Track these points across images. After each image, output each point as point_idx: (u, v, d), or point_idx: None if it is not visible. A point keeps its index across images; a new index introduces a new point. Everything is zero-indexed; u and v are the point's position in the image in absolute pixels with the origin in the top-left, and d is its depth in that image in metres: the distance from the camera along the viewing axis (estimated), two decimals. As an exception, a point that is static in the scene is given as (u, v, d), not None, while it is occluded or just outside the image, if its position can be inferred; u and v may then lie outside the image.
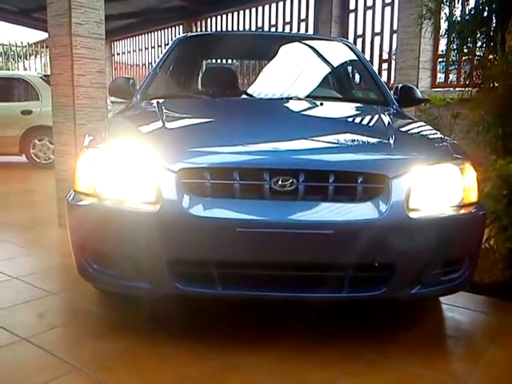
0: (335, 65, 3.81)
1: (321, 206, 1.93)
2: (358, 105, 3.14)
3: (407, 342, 2.19)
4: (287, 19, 9.50)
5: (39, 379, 1.82)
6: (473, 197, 2.14)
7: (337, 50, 3.81)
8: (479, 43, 3.59)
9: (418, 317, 2.52)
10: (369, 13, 8.06)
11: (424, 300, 2.58)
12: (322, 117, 2.82)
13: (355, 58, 3.65)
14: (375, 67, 7.42)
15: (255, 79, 4.54)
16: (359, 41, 8.22)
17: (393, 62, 7.42)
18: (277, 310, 2.42)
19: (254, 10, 10.11)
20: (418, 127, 2.69)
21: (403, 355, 2.07)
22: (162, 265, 1.95)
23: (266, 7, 9.84)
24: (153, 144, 2.11)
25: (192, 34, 5.43)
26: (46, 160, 8.25)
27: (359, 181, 1.96)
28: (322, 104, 2.85)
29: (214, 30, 11.03)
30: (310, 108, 2.88)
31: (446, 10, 4.05)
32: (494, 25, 3.43)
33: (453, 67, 6.13)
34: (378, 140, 2.30)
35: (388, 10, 7.74)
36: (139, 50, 13.42)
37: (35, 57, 15.30)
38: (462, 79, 5.89)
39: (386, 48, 7.88)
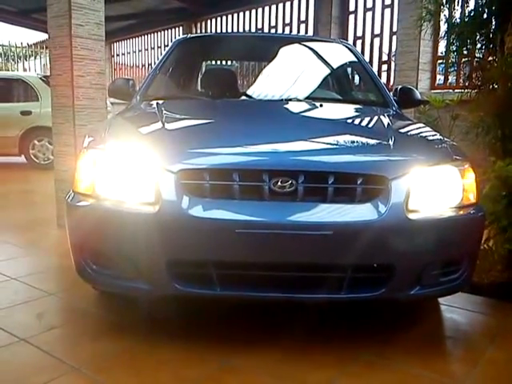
0: (335, 66, 3.81)
1: (320, 207, 1.93)
2: (358, 106, 3.14)
3: (406, 343, 2.19)
4: (287, 21, 9.52)
5: (37, 380, 1.82)
6: (472, 198, 2.14)
7: (336, 51, 3.81)
8: (479, 45, 3.60)
9: (417, 318, 2.52)
10: (368, 14, 8.08)
11: (423, 301, 2.58)
12: (322, 118, 2.82)
13: (355, 59, 3.65)
14: (375, 69, 7.43)
15: (255, 80, 4.55)
16: (359, 42, 8.24)
17: (392, 64, 7.43)
18: (275, 311, 2.42)
19: (253, 11, 10.13)
20: (417, 129, 2.69)
21: (402, 356, 2.07)
22: (160, 265, 1.95)
23: (266, 9, 9.86)
24: (152, 145, 2.11)
25: (192, 35, 5.44)
26: (46, 161, 8.25)
27: (358, 182, 1.96)
28: (321, 105, 2.85)
29: (213, 31, 11.05)
30: (309, 109, 2.88)
31: (446, 12, 4.05)
32: (493, 27, 3.44)
33: (452, 69, 6.14)
34: (377, 141, 2.30)
35: (388, 11, 7.75)
36: (139, 51, 13.44)
37: (35, 58, 15.30)
38: (461, 81, 5.91)
39: (385, 49, 7.90)
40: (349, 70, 4.15)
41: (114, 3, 9.32)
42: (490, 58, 3.47)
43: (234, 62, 8.36)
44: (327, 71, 3.75)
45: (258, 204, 1.93)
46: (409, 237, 1.97)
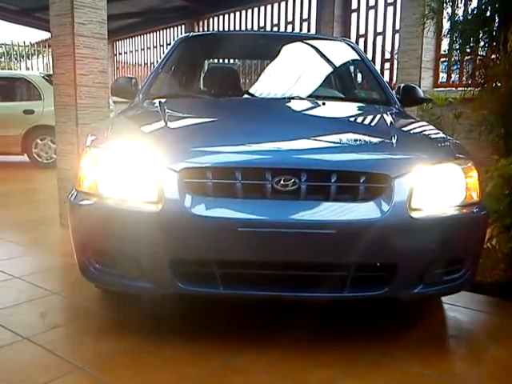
0: (337, 64, 3.81)
1: (323, 206, 1.93)
2: (361, 104, 3.13)
3: (409, 342, 2.19)
4: (289, 19, 9.51)
5: (41, 378, 1.82)
6: (475, 196, 2.14)
7: (339, 49, 3.80)
8: (482, 43, 3.59)
9: (420, 316, 2.52)
10: (371, 12, 8.06)
11: (426, 299, 2.58)
12: (325, 116, 2.81)
13: (357, 57, 3.65)
14: (377, 67, 7.41)
15: (257, 79, 4.54)
16: (361, 40, 8.22)
17: (395, 62, 7.41)
18: (278, 310, 2.42)
19: (256, 9, 10.11)
20: (420, 127, 2.68)
21: (405, 355, 2.06)
22: (164, 264, 1.95)
23: (269, 7, 9.84)
24: (155, 144, 2.11)
25: (194, 33, 5.42)
26: (48, 159, 8.26)
27: (361, 180, 1.95)
28: (324, 104, 2.85)
29: (216, 29, 11.03)
30: (312, 108, 2.88)
31: (449, 10, 4.05)
32: (496, 24, 3.43)
33: (455, 67, 6.13)
34: (380, 140, 2.30)
35: (390, 9, 7.74)
36: (141, 49, 13.43)
37: (37, 56, 15.31)
38: (464, 79, 5.89)
39: (388, 48, 7.88)
40: (351, 68, 4.14)
41: (117, 2, 9.31)
42: (493, 56, 3.46)
43: (236, 60, 8.35)
44: (330, 69, 3.74)
45: (261, 202, 1.93)
46: (412, 235, 1.96)
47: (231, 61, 8.05)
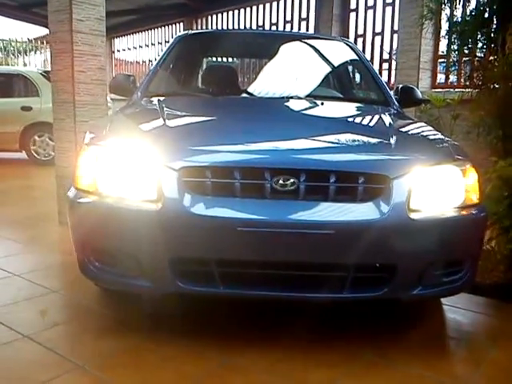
0: (336, 64, 3.81)
1: (322, 206, 1.93)
2: (359, 105, 3.14)
3: (408, 343, 2.20)
4: (288, 18, 9.50)
5: (41, 377, 1.83)
6: (474, 198, 2.14)
7: (337, 49, 3.81)
8: (480, 44, 3.61)
9: (419, 318, 2.53)
10: (370, 12, 8.05)
11: (425, 301, 2.58)
12: (323, 116, 2.82)
13: (356, 57, 3.65)
14: (376, 67, 7.41)
15: (256, 78, 4.54)
16: (360, 40, 8.22)
17: (393, 62, 7.42)
18: (278, 310, 2.43)
19: (254, 8, 10.10)
20: (418, 128, 2.69)
21: (405, 356, 2.07)
22: (163, 263, 1.96)
23: (267, 5, 9.83)
24: (154, 142, 2.11)
25: (193, 31, 5.42)
26: (46, 157, 8.24)
27: (360, 181, 1.96)
28: (322, 103, 2.85)
29: (214, 27, 11.02)
30: (310, 107, 2.88)
31: (447, 11, 4.06)
32: (494, 26, 3.44)
33: (453, 68, 6.14)
34: (379, 140, 2.31)
35: (389, 9, 7.73)
36: (139, 46, 13.41)
37: (35, 53, 15.26)
38: (462, 80, 5.91)
39: (386, 48, 7.89)
40: (350, 68, 4.14)
41: (115, -1, 9.29)
42: (491, 58, 3.47)
43: (234, 59, 8.35)
44: (328, 69, 3.75)
45: (260, 202, 1.93)
46: (411, 236, 1.97)
47: (230, 59, 8.04)
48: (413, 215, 1.96)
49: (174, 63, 3.59)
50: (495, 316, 2.59)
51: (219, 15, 10.93)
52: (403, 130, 2.62)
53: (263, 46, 3.85)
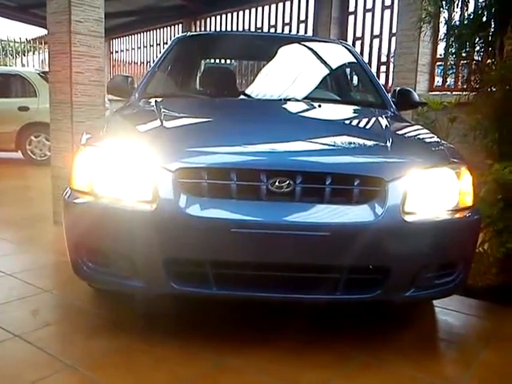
0: (334, 67, 3.81)
1: (317, 208, 1.93)
2: (356, 107, 3.14)
3: (400, 345, 2.20)
4: (286, 20, 9.51)
5: (32, 376, 1.82)
6: (468, 201, 2.15)
7: (335, 51, 3.81)
8: (477, 48, 3.61)
9: (411, 320, 2.53)
10: (368, 15, 8.08)
11: (418, 303, 2.59)
12: (320, 119, 2.82)
13: (354, 60, 3.66)
14: (373, 70, 7.43)
15: (254, 80, 4.55)
16: (358, 43, 8.24)
17: (391, 65, 7.43)
18: (271, 311, 2.43)
19: (253, 10, 10.12)
20: (415, 131, 2.69)
21: (396, 358, 2.07)
22: (157, 264, 1.95)
23: (266, 8, 9.85)
24: (150, 143, 2.10)
25: (191, 33, 5.42)
26: (42, 157, 8.22)
27: (356, 183, 1.96)
28: (319, 106, 2.85)
29: (213, 29, 11.04)
30: (307, 110, 2.88)
31: (445, 14, 4.06)
32: (492, 29, 3.45)
33: (451, 71, 6.15)
34: (375, 143, 2.31)
35: (387, 12, 7.75)
36: (138, 48, 13.42)
37: (33, 53, 15.25)
38: (459, 83, 5.92)
39: (384, 51, 7.90)
40: (348, 70, 4.15)
41: (114, 0, 9.29)
42: (489, 61, 3.48)
43: (232, 60, 8.36)
44: (326, 71, 3.75)
45: (256, 204, 1.93)
46: (405, 239, 1.97)
47: (228, 61, 8.04)
48: (407, 218, 1.96)
49: (172, 65, 3.59)
50: (487, 318, 2.60)
51: (218, 17, 10.94)
52: (399, 132, 2.62)
53: (261, 48, 3.86)
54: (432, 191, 2.08)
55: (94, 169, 2.10)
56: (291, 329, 2.26)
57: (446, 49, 3.96)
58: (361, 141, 2.35)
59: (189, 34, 4.19)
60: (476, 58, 3.68)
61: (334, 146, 2.32)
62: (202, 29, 11.28)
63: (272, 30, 9.72)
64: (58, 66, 4.03)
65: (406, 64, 6.31)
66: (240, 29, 10.37)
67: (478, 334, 2.43)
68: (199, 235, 1.91)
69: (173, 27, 12.13)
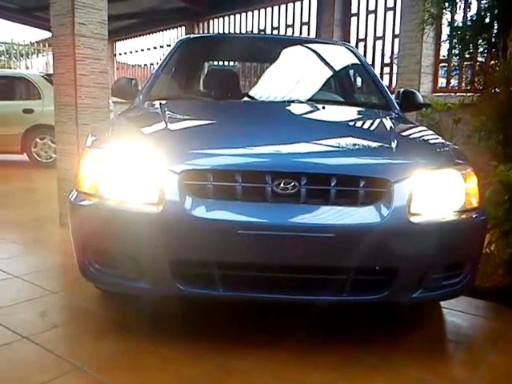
0: (337, 68, 3.82)
1: (322, 210, 1.94)
2: (360, 109, 3.14)
3: (408, 346, 2.20)
4: (289, 22, 9.53)
5: (40, 378, 1.83)
6: (474, 202, 2.15)
7: (339, 53, 3.82)
8: (481, 49, 3.61)
9: (419, 321, 2.53)
10: (371, 17, 8.09)
11: (425, 304, 2.58)
12: (324, 120, 2.83)
13: (357, 61, 3.66)
14: (377, 71, 7.43)
15: (257, 82, 4.55)
16: (361, 45, 8.25)
17: (394, 67, 7.44)
18: (276, 313, 2.43)
19: (256, 12, 10.14)
20: (419, 132, 2.70)
21: (404, 359, 2.07)
22: (164, 265, 1.96)
23: (269, 10, 9.86)
24: (155, 145, 2.11)
25: (194, 35, 5.44)
26: (48, 159, 8.25)
27: (361, 185, 1.96)
28: (324, 107, 2.86)
29: (216, 31, 11.06)
30: (312, 111, 2.89)
31: (448, 16, 4.07)
32: (495, 31, 3.45)
33: (454, 72, 6.16)
34: (380, 144, 2.31)
35: (390, 14, 7.76)
36: (141, 50, 13.44)
37: (37, 55, 15.30)
38: (463, 84, 5.92)
39: (387, 52, 7.91)
40: (351, 72, 4.16)
41: (117, 2, 9.31)
42: (493, 62, 3.48)
43: (235, 62, 8.37)
44: (329, 73, 3.76)
45: (261, 205, 1.94)
46: (411, 240, 1.97)
47: (231, 63, 8.06)
48: (413, 219, 1.96)
49: (175, 67, 3.60)
50: (494, 319, 2.59)
51: (221, 19, 10.97)
52: (404, 134, 2.62)
53: (264, 50, 3.86)
54: (437, 192, 2.08)
55: (99, 171, 2.11)
56: (297, 330, 2.26)
57: (450, 50, 3.97)
58: (366, 142, 2.36)
59: (192, 36, 4.21)
60: (479, 59, 3.69)
61: (338, 147, 2.32)
62: (205, 31, 11.30)
63: (275, 32, 9.73)
64: (62, 68, 4.04)
65: (409, 65, 6.31)
66: (243, 31, 10.38)
67: (486, 335, 2.42)
68: (205, 237, 1.92)
69: (176, 29, 12.16)
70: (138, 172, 2.04)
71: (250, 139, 2.24)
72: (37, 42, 15.21)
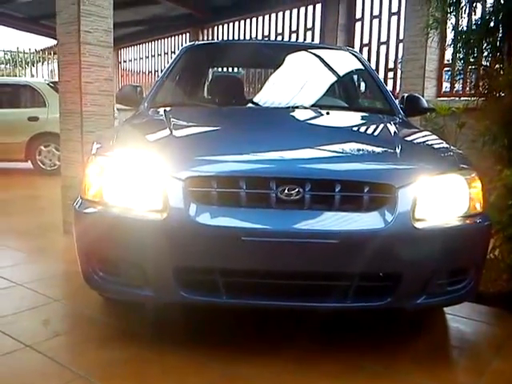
0: (341, 74, 3.82)
1: (327, 216, 1.93)
2: (364, 114, 3.14)
3: (411, 353, 2.18)
4: (293, 28, 9.55)
5: (43, 387, 1.82)
6: (478, 207, 2.14)
7: (343, 58, 3.82)
8: (485, 53, 3.60)
9: (422, 327, 2.51)
10: (375, 22, 8.09)
11: (429, 310, 2.56)
12: (329, 126, 2.82)
13: (361, 67, 3.66)
14: (381, 76, 7.43)
15: (261, 88, 4.56)
16: (365, 49, 8.25)
17: (398, 71, 7.43)
18: (279, 320, 2.41)
19: (260, 18, 10.16)
20: (423, 137, 2.69)
21: (407, 366, 2.05)
22: (168, 273, 1.95)
23: (273, 16, 9.89)
24: (160, 152, 2.11)
25: (199, 42, 5.46)
26: (52, 167, 8.26)
27: (365, 190, 1.95)
28: (328, 113, 2.85)
29: (220, 38, 11.09)
30: (316, 117, 2.88)
31: (453, 20, 4.06)
32: (500, 35, 3.44)
33: (459, 77, 6.14)
34: (384, 149, 2.30)
35: (394, 19, 7.76)
36: (146, 57, 13.50)
37: (42, 63, 15.38)
38: (467, 89, 5.90)
39: (391, 57, 7.90)
40: (355, 77, 4.15)
41: (122, 9, 9.36)
42: (497, 66, 3.47)
43: (240, 69, 8.39)
44: (334, 79, 3.75)
45: (265, 212, 1.93)
46: (415, 246, 1.96)
47: (235, 69, 8.07)
48: (417, 224, 1.95)
49: (180, 74, 3.61)
50: (498, 325, 2.57)
51: (225, 26, 11.01)
52: (408, 139, 2.61)
53: (269, 56, 3.87)
54: (442, 197, 2.07)
55: (104, 178, 2.11)
56: (299, 338, 2.25)
57: (454, 54, 3.97)
58: (370, 147, 2.35)
59: (196, 43, 4.22)
60: (484, 63, 3.67)
61: (342, 153, 2.32)
62: (210, 37, 11.34)
63: (279, 38, 9.75)
64: (67, 76, 4.06)
65: (413, 70, 6.30)
66: (247, 37, 10.42)
67: (490, 341, 2.40)
68: (209, 244, 1.92)
69: (180, 36, 12.21)
70: (142, 179, 2.04)
71: (255, 145, 2.23)
72: (42, 49, 15.30)
